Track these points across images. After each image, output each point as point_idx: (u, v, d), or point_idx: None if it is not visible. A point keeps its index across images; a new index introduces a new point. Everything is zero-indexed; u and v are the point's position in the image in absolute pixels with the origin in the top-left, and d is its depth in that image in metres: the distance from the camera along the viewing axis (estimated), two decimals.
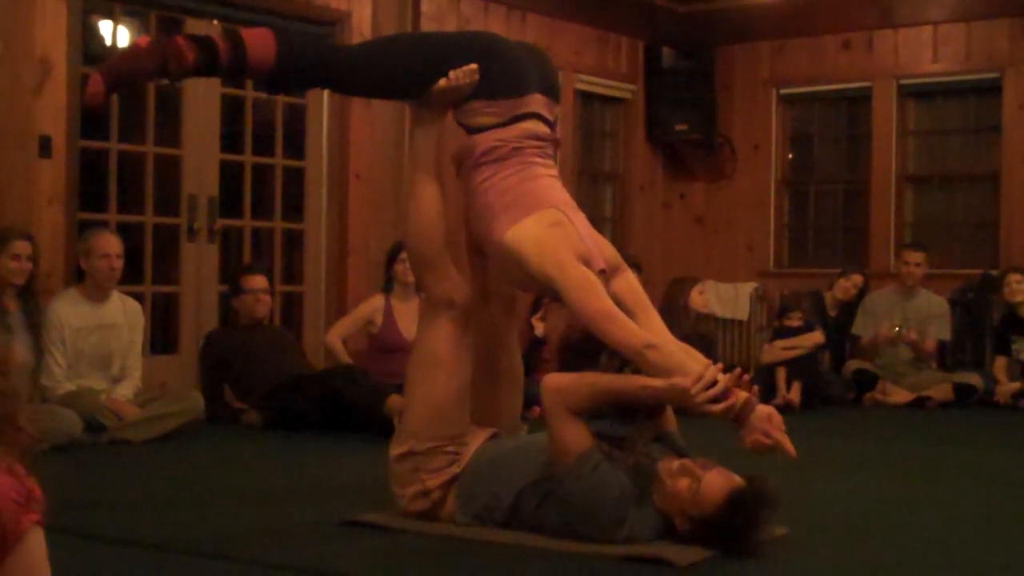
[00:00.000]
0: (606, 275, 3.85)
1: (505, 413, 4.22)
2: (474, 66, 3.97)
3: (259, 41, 3.95)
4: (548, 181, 4.00)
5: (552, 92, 4.14)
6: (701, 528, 3.60)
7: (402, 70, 4.10)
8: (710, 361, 3.74)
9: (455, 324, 4.04)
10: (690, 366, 3.64)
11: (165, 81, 4.03)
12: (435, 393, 4.01)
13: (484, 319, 4.16)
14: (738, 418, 3.60)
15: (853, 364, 8.88)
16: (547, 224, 3.84)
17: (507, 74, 4.02)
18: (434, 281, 4.11)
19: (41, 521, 1.96)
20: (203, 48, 3.90)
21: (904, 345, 8.76)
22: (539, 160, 4.01)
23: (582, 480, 3.65)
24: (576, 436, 3.68)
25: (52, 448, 5.54)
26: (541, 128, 4.05)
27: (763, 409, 3.62)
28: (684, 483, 3.63)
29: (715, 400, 3.57)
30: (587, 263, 3.79)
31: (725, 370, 3.67)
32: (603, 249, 3.93)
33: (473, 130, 4.04)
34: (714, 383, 3.57)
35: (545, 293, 4.01)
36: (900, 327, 8.70)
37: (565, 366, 3.98)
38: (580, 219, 3.95)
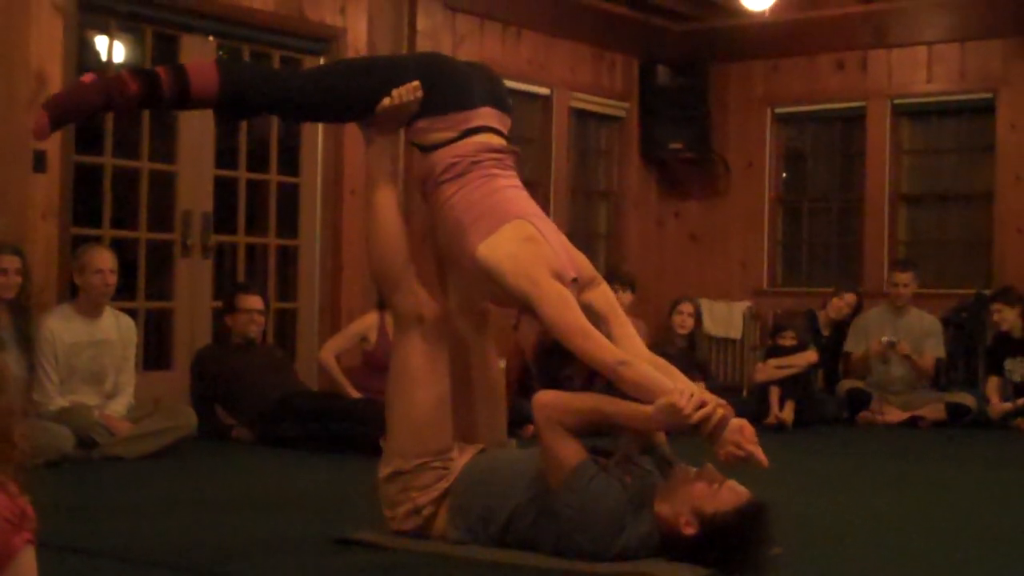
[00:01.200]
0: (578, 284, 3.86)
1: (484, 426, 4.20)
2: (416, 83, 4.01)
3: (201, 72, 4.01)
4: (512, 192, 4.02)
5: (501, 104, 4.17)
6: (710, 531, 3.57)
7: (346, 93, 4.15)
8: (683, 375, 3.76)
9: (426, 340, 4.05)
10: (665, 383, 3.65)
11: (111, 114, 4.08)
12: (414, 410, 4.01)
13: (454, 333, 4.17)
14: (713, 432, 3.61)
15: (846, 384, 8.89)
16: (521, 239, 3.85)
17: (452, 89, 4.07)
18: (400, 299, 4.12)
19: (33, 540, 1.97)
20: (146, 80, 3.96)
21: (896, 357, 8.74)
22: (499, 171, 4.03)
23: (577, 492, 3.65)
24: (569, 450, 3.68)
25: (44, 464, 5.52)
26: (495, 140, 4.08)
27: (735, 422, 3.64)
28: (704, 481, 3.63)
29: (707, 417, 3.58)
30: (560, 275, 3.81)
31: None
32: (575, 259, 3.95)
33: (427, 148, 4.07)
34: (701, 401, 3.58)
35: (518, 307, 4.01)
36: (891, 339, 8.70)
37: (542, 371, 3.98)
38: (550, 228, 3.98)
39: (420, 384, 4.01)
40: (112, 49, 7.36)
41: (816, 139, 10.89)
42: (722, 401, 3.68)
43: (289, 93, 4.16)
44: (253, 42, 7.88)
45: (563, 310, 3.71)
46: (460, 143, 4.01)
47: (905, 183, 10.39)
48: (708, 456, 3.68)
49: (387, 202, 4.15)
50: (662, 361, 3.92)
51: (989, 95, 9.81)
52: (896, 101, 10.18)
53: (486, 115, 4.08)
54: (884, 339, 8.71)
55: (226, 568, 3.71)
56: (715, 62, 10.72)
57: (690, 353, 8.65)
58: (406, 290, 4.10)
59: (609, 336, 3.79)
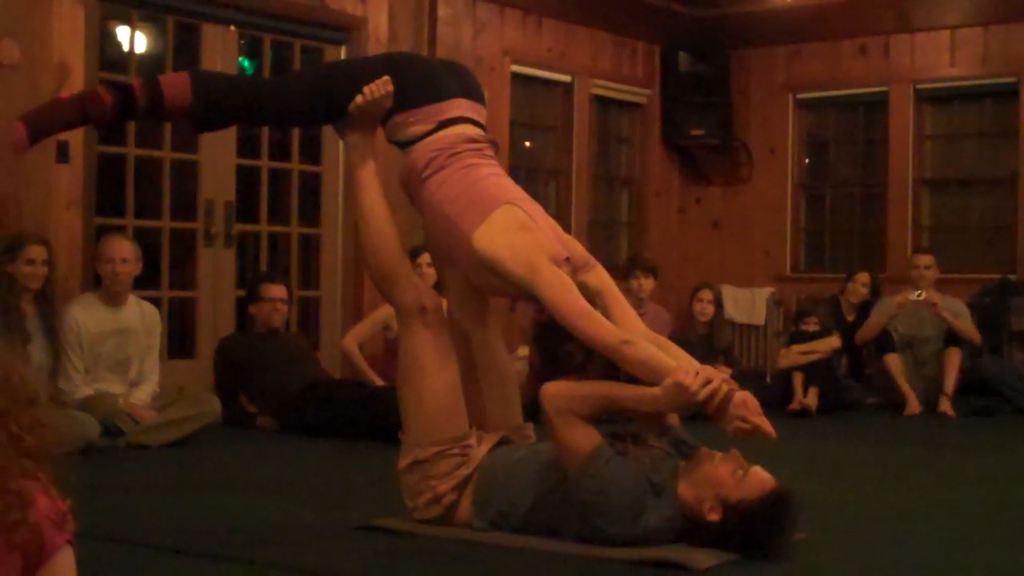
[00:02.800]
0: (570, 263, 3.87)
1: (495, 410, 4.20)
2: (386, 77, 4.06)
3: (175, 83, 4.10)
4: (495, 179, 4.04)
5: (475, 95, 4.20)
6: (735, 517, 3.58)
7: (318, 94, 4.21)
8: (685, 353, 3.76)
9: (430, 329, 4.06)
10: (668, 361, 3.65)
11: (90, 128, 4.26)
12: (426, 399, 4.02)
13: (455, 326, 4.19)
14: (719, 407, 3.60)
15: (873, 330, 8.78)
16: (515, 227, 3.87)
17: (423, 82, 4.12)
18: (400, 292, 4.13)
19: (72, 542, 2.01)
20: (120, 93, 4.05)
21: (929, 318, 8.61)
22: (479, 161, 4.05)
23: (594, 477, 3.65)
24: (583, 436, 3.68)
25: (70, 452, 5.55)
26: (472, 130, 4.10)
27: (739, 395, 3.63)
28: (729, 467, 3.63)
29: (714, 393, 3.57)
30: (554, 259, 3.82)
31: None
32: (565, 241, 3.96)
33: (405, 144, 4.11)
34: (707, 378, 3.58)
35: (517, 294, 4.02)
36: (920, 293, 8.55)
37: (541, 347, 4.00)
38: (538, 212, 3.99)
39: (429, 373, 4.02)
40: (134, 40, 7.38)
41: (838, 125, 10.85)
42: (725, 376, 3.68)
43: (262, 99, 4.24)
44: (274, 32, 7.89)
45: (564, 294, 3.72)
46: (437, 135, 4.05)
47: (928, 168, 10.36)
48: (730, 441, 3.68)
49: (373, 200, 4.19)
50: (664, 340, 3.94)
51: (1013, 79, 9.76)
52: (919, 86, 10.14)
53: (460, 106, 4.11)
54: (914, 294, 8.56)
55: (250, 555, 3.72)
56: (736, 48, 10.70)
57: (710, 340, 8.63)
58: (404, 284, 4.13)
59: (608, 318, 3.80)
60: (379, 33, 8.26)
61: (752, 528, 3.57)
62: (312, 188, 8.27)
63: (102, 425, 6.05)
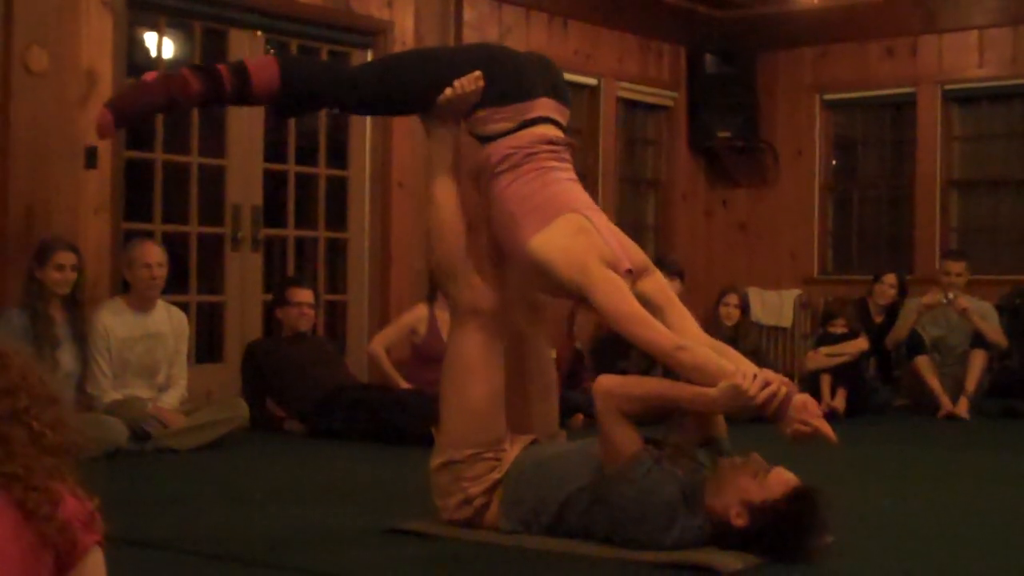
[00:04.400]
0: (632, 275, 3.85)
1: (538, 417, 4.21)
2: (478, 73, 4.02)
3: (263, 68, 4.03)
4: (567, 184, 4.03)
5: (560, 95, 4.17)
6: (761, 521, 3.57)
7: (408, 85, 4.17)
8: (744, 357, 3.74)
9: (483, 331, 4.05)
10: (726, 366, 3.63)
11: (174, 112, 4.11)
12: (469, 401, 4.01)
13: (509, 325, 4.17)
14: (779, 410, 3.59)
15: (901, 332, 8.73)
16: (572, 231, 3.86)
17: (512, 79, 4.08)
18: (459, 290, 4.13)
19: (102, 543, 2.02)
20: (208, 78, 3.98)
21: (958, 323, 8.58)
22: (554, 163, 4.04)
23: (634, 484, 3.65)
24: (627, 438, 3.68)
25: (98, 457, 5.57)
26: (553, 132, 4.08)
27: (799, 398, 3.64)
28: (750, 471, 3.62)
29: (772, 396, 3.56)
30: (613, 266, 3.81)
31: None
32: (628, 250, 3.93)
33: (485, 139, 4.08)
34: (766, 380, 3.57)
35: (573, 299, 4.02)
36: (951, 296, 8.52)
37: (599, 362, 4.00)
38: (602, 220, 3.98)
39: (475, 376, 4.02)
40: (161, 46, 7.41)
41: (866, 126, 10.81)
42: (785, 379, 3.67)
43: (350, 87, 4.17)
44: (301, 36, 7.91)
45: (617, 298, 3.72)
46: (517, 134, 4.02)
47: (956, 169, 10.30)
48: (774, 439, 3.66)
49: (447, 193, 4.17)
50: (721, 344, 3.92)
51: None
52: (947, 87, 10.08)
53: (545, 106, 4.09)
54: (943, 297, 8.52)
55: (278, 559, 3.73)
56: (763, 49, 10.66)
57: (735, 344, 8.58)
58: (464, 282, 4.11)
59: (666, 324, 3.77)
60: (405, 36, 8.27)
61: (778, 527, 3.56)
62: (339, 192, 8.29)
63: (130, 430, 6.08)
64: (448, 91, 4.03)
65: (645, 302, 3.79)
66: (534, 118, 4.05)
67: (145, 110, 4.04)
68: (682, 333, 3.78)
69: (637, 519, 3.67)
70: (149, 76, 4.01)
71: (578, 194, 4.05)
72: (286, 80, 4.02)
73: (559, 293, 4.00)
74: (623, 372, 3.85)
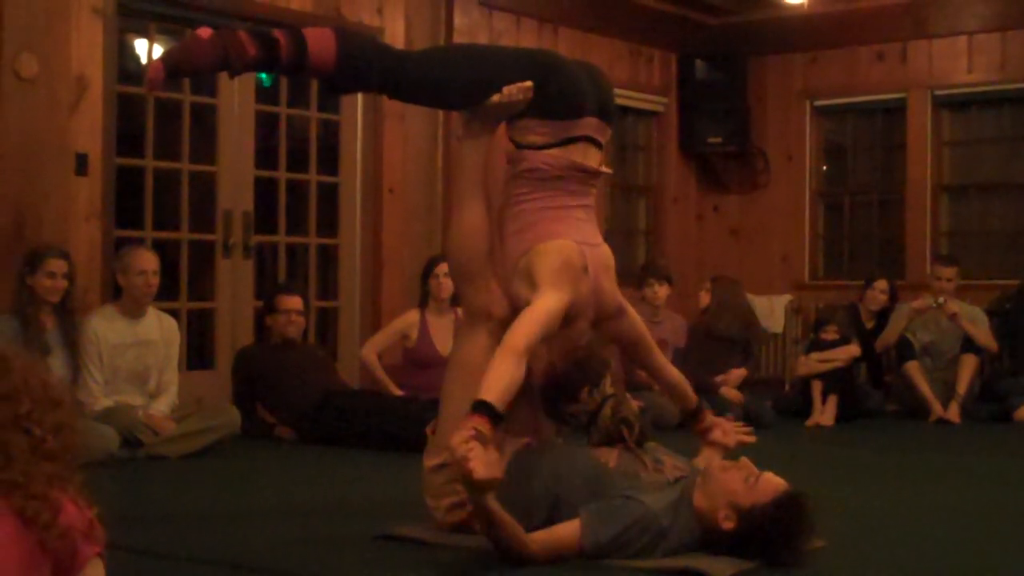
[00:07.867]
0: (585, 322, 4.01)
1: (531, 421, 4.20)
2: (529, 83, 3.99)
3: (321, 41, 3.94)
4: (574, 219, 4.05)
5: (607, 115, 4.16)
6: (749, 524, 3.57)
7: (460, 82, 4.10)
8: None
9: (492, 336, 4.02)
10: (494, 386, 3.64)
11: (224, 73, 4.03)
12: (469, 402, 4.00)
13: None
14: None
15: (891, 337, 8.76)
16: (572, 266, 3.92)
17: (563, 95, 4.04)
18: (474, 293, 4.12)
19: (102, 553, 2.01)
20: (264, 44, 3.90)
21: (949, 329, 8.61)
22: (578, 189, 4.07)
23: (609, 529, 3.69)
24: (560, 534, 3.70)
25: (89, 464, 5.56)
26: (591, 154, 4.09)
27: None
28: (740, 475, 3.63)
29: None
30: (579, 311, 3.90)
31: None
32: (604, 298, 4.04)
33: (522, 147, 4.07)
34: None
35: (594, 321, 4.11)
36: (940, 300, 8.55)
37: (548, 402, 4.04)
38: (598, 264, 4.03)
39: (478, 378, 4.00)
40: (152, 52, 7.40)
41: (856, 131, 10.83)
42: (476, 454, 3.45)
43: (404, 72, 4.09)
44: None
45: (531, 325, 3.76)
46: (554, 152, 4.02)
47: (947, 174, 10.32)
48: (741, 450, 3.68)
49: (476, 197, 4.15)
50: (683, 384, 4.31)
51: None
52: (937, 92, 10.10)
53: (588, 125, 4.08)
54: (934, 301, 8.56)
55: (269, 565, 3.73)
56: (754, 55, 10.68)
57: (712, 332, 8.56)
58: (480, 286, 4.11)
59: (636, 358, 4.29)
60: (395, 42, 8.26)
61: (767, 532, 3.57)
62: (330, 198, 8.28)
63: (122, 437, 6.07)
64: (496, 96, 3.99)
65: (618, 340, 4.16)
66: (575, 136, 4.05)
67: (198, 68, 3.94)
68: (655, 372, 4.35)
69: (623, 548, 3.68)
70: (204, 32, 3.90)
71: (585, 226, 4.08)
72: (341, 57, 3.95)
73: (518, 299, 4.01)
74: (572, 415, 3.89)
